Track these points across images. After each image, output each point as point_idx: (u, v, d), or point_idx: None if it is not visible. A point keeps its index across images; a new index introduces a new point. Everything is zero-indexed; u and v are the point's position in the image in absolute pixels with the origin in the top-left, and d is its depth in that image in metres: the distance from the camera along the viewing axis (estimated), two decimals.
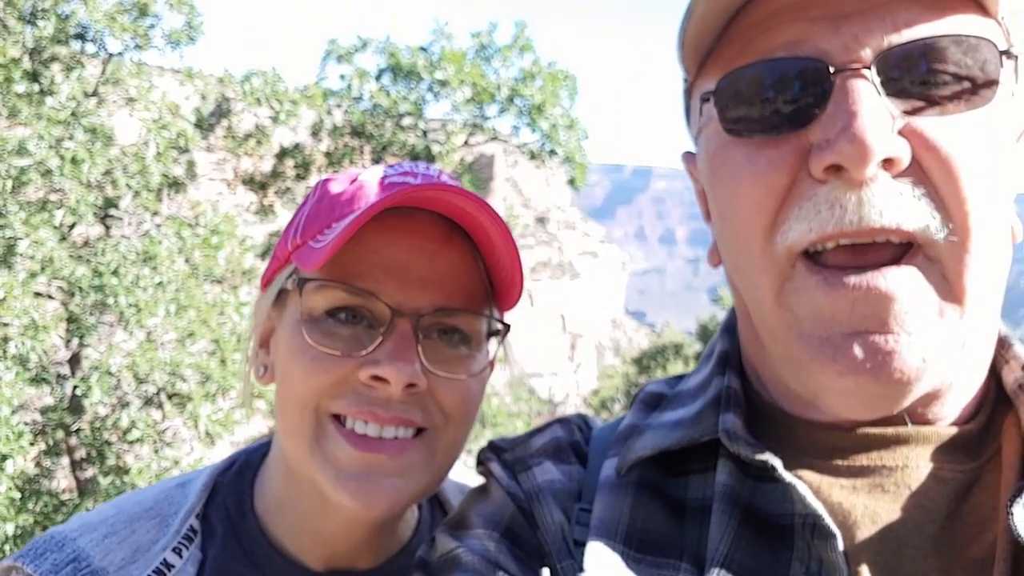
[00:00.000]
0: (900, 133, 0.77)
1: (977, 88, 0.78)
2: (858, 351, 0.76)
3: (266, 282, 1.30)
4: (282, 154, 15.16)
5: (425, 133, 15.46)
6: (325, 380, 1.14)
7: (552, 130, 14.61)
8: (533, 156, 15.26)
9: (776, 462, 0.84)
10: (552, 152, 14.88)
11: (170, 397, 9.13)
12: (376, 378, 1.13)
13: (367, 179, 1.24)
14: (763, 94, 0.82)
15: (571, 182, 15.28)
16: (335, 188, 1.25)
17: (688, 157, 1.04)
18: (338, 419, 1.16)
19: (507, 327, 1.28)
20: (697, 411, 0.98)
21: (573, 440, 1.12)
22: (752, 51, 0.83)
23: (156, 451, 8.94)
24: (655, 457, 0.97)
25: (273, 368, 1.26)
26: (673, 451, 0.96)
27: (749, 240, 0.84)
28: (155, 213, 10.59)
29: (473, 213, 1.13)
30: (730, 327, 1.07)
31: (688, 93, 0.98)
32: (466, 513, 1.08)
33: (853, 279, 0.77)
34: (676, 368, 27.76)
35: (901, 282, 0.76)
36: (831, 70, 0.78)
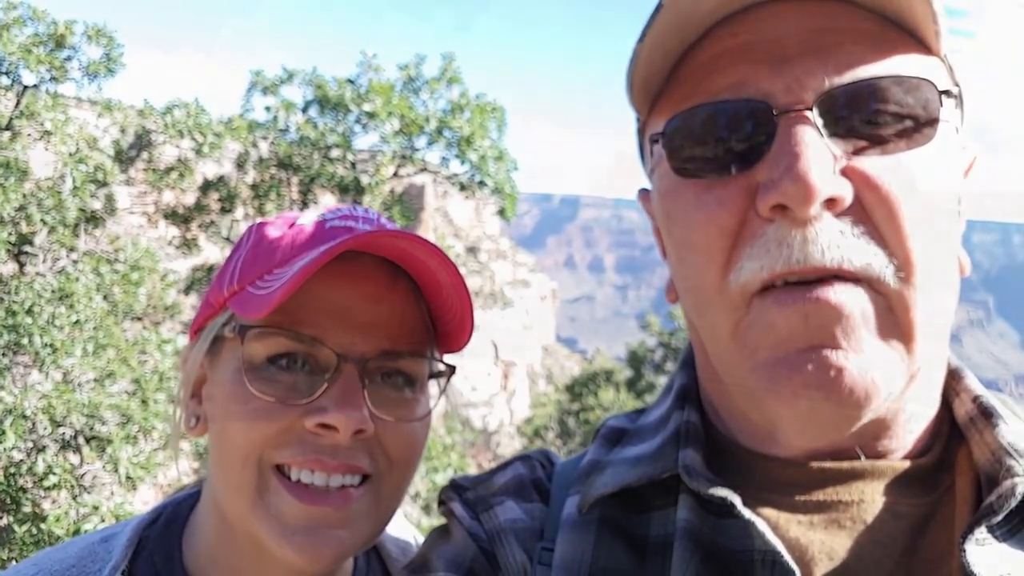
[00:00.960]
0: (843, 172, 0.79)
1: (919, 127, 0.81)
2: (811, 367, 0.78)
3: (196, 329, 1.27)
4: (206, 187, 14.86)
5: (354, 165, 15.38)
6: (269, 429, 1.11)
7: (481, 162, 14.72)
8: (463, 188, 15.34)
9: (735, 499, 0.85)
10: (482, 183, 14.97)
11: (88, 440, 8.76)
12: (323, 426, 1.10)
13: (306, 223, 1.23)
14: (709, 136, 0.84)
15: (501, 213, 15.38)
16: (272, 232, 1.23)
17: (644, 194, 1.05)
18: (280, 470, 1.13)
19: (452, 369, 1.27)
20: (657, 447, 0.99)
21: (535, 477, 1.12)
22: (698, 93, 0.86)
23: (74, 497, 8.53)
24: (617, 494, 0.97)
25: (206, 419, 1.22)
26: (634, 487, 0.96)
27: (705, 279, 0.86)
28: (72, 249, 10.23)
29: (422, 257, 1.13)
30: (688, 361, 1.07)
31: (641, 133, 1.00)
32: (428, 555, 1.08)
33: (804, 292, 0.79)
34: (607, 395, 27.99)
35: (849, 296, 0.78)
36: (774, 112, 0.80)
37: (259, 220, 1.29)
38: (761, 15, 0.83)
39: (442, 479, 13.78)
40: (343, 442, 1.12)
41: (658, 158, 0.92)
